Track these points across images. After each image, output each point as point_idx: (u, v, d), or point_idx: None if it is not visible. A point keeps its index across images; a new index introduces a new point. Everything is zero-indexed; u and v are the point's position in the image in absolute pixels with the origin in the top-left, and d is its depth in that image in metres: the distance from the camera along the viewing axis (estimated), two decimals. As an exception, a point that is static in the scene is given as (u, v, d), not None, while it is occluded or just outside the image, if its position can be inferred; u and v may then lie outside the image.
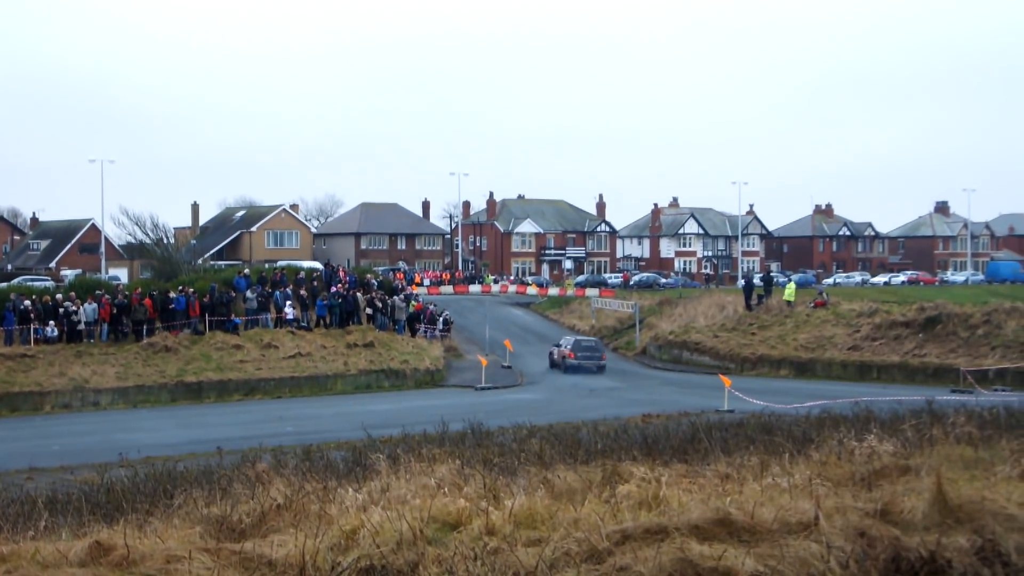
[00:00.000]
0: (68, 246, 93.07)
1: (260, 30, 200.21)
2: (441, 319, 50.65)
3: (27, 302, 38.38)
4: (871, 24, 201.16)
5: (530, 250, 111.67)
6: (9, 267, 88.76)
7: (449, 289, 77.75)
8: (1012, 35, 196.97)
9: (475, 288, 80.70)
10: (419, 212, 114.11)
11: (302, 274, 49.03)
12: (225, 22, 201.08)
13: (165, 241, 65.19)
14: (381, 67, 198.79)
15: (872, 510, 6.81)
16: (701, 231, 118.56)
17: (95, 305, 39.27)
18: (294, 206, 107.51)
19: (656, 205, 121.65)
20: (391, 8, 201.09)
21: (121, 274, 77.53)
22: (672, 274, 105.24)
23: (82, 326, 38.81)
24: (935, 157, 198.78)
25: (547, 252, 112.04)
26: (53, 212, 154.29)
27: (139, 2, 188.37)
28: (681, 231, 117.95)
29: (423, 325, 48.30)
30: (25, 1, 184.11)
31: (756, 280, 56.56)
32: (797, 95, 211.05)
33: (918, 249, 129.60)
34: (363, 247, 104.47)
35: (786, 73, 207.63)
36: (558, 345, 46.48)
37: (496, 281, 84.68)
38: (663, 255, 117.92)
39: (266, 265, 60.25)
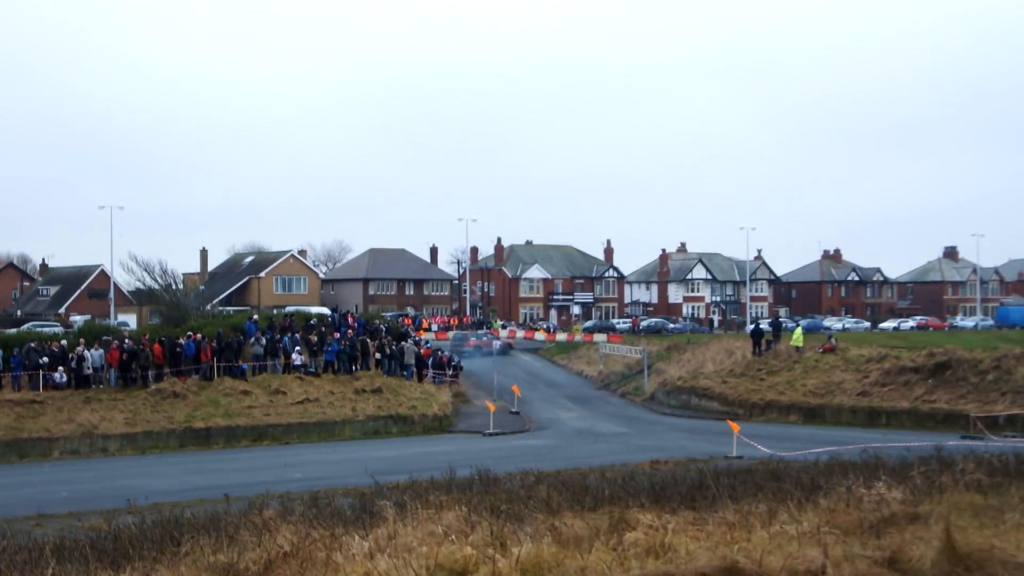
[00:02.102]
0: (77, 292, 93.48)
1: (270, 77, 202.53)
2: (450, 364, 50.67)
3: (44, 358, 38.34)
4: (878, 73, 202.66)
5: (538, 295, 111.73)
6: (19, 313, 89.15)
7: (457, 334, 77.76)
8: (1020, 79, 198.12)
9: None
10: (427, 258, 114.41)
11: (312, 320, 49.12)
12: (235, 68, 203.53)
13: (174, 287, 65.40)
14: (389, 114, 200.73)
15: (881, 558, 6.79)
16: (709, 276, 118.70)
17: (103, 351, 39.43)
18: (302, 252, 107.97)
19: (664, 250, 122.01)
20: (400, 56, 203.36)
21: (130, 320, 77.74)
22: (680, 319, 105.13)
23: (90, 372, 38.92)
24: (944, 202, 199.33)
25: (555, 297, 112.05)
26: (62, 258, 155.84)
27: (148, 49, 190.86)
28: (689, 276, 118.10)
29: (431, 370, 48.28)
30: (35, 49, 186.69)
31: (764, 325, 56.44)
32: (805, 141, 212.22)
33: (927, 294, 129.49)
34: (371, 293, 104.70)
35: (794, 120, 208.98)
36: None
37: (504, 327, 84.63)
38: (671, 300, 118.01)
39: (275, 311, 60.38)
